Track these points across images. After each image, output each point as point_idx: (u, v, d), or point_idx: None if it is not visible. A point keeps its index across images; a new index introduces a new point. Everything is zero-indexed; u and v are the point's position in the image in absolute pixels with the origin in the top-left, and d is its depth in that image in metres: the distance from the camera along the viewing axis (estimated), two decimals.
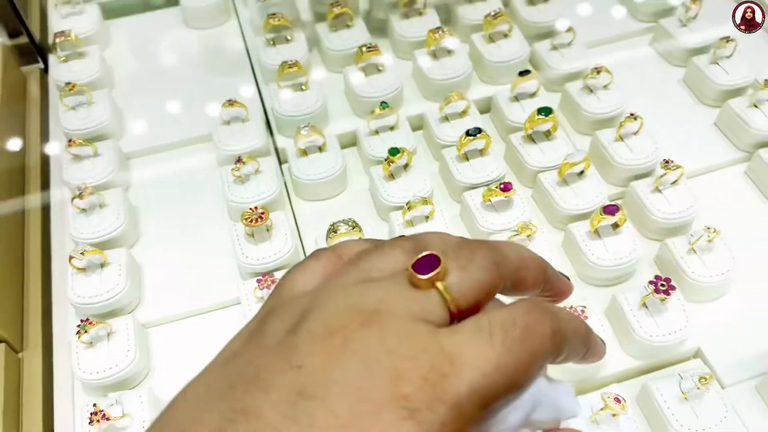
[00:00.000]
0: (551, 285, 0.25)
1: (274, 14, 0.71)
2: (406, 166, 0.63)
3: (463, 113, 0.67)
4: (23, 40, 0.82)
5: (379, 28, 0.77)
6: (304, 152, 0.65)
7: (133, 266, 0.59)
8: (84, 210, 0.60)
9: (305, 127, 0.63)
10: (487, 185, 0.60)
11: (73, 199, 0.60)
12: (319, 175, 0.63)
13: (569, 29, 0.71)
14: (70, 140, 0.64)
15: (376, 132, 0.66)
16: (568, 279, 0.27)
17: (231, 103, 0.65)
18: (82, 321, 0.53)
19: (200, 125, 0.70)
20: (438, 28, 0.70)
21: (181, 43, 0.80)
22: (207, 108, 0.72)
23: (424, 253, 0.22)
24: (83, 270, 0.57)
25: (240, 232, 0.58)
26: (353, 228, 0.55)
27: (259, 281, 0.55)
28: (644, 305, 0.53)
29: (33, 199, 0.70)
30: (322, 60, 0.76)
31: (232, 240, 0.59)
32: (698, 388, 0.49)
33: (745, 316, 0.56)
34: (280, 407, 0.19)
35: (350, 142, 0.69)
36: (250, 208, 0.57)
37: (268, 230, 0.59)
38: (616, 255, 0.56)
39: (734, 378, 0.52)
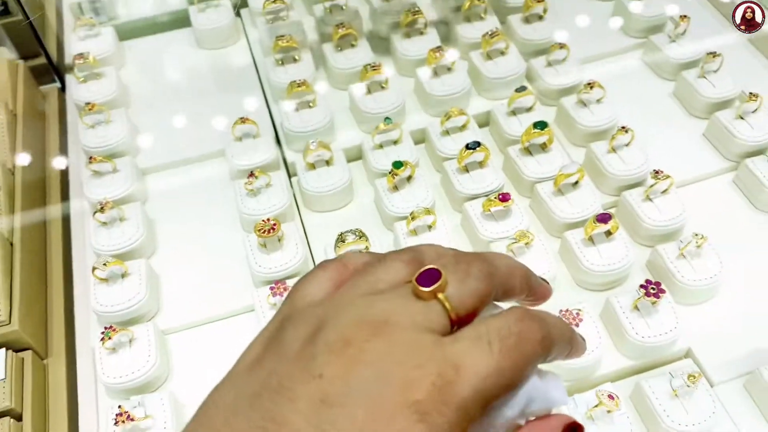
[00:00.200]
0: (534, 290, 0.28)
1: (282, 36, 0.75)
2: (409, 178, 0.66)
3: (463, 127, 0.70)
4: (41, 60, 0.86)
5: (382, 47, 0.80)
6: (313, 166, 0.68)
7: (152, 276, 0.62)
8: (105, 223, 0.64)
9: (313, 142, 0.66)
10: (487, 196, 0.63)
11: (94, 213, 0.63)
12: (327, 188, 0.67)
13: (563, 46, 0.74)
14: (90, 157, 0.67)
15: (381, 146, 0.70)
16: (548, 283, 0.30)
17: (243, 120, 0.69)
18: (105, 328, 0.56)
19: (212, 141, 0.74)
20: (438, 47, 0.73)
21: (193, 62, 0.84)
22: (218, 124, 0.75)
23: (425, 267, 0.24)
24: (105, 280, 0.60)
25: (253, 243, 0.62)
26: (360, 237, 0.58)
27: (272, 289, 0.58)
28: (636, 308, 0.56)
29: (54, 213, 0.73)
30: (328, 78, 0.79)
31: (245, 250, 0.62)
32: (688, 386, 0.51)
33: (733, 318, 0.59)
34: (305, 415, 0.20)
35: (356, 155, 0.73)
36: (263, 220, 0.60)
37: (279, 240, 0.62)
38: (610, 261, 0.59)
39: (723, 376, 0.55)
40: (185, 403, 0.56)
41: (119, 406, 0.52)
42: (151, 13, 0.89)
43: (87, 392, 0.58)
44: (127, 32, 0.87)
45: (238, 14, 0.88)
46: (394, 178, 0.64)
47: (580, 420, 0.50)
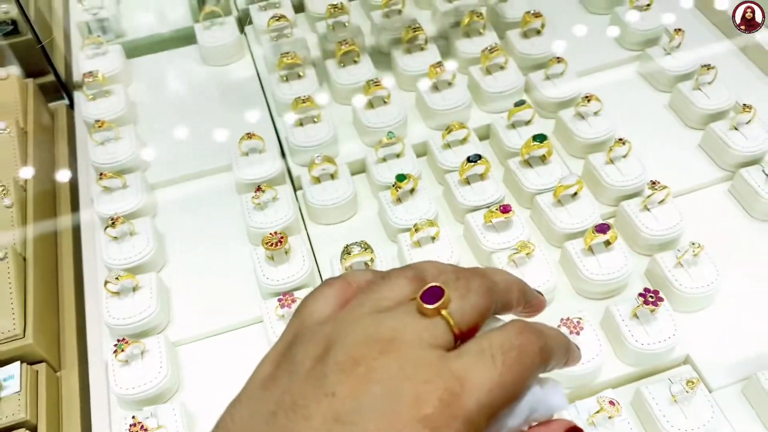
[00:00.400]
0: (530, 302, 0.30)
1: (287, 53, 0.77)
2: (412, 190, 0.67)
3: (464, 140, 0.72)
4: (50, 78, 0.88)
5: (383, 62, 0.82)
6: (318, 180, 0.70)
7: (163, 289, 0.64)
8: (116, 238, 0.65)
9: (318, 156, 0.68)
10: (488, 207, 0.65)
11: (105, 228, 0.65)
12: (332, 201, 0.68)
13: (561, 60, 0.76)
14: (101, 174, 0.69)
15: (384, 159, 0.71)
16: (542, 295, 0.31)
17: (249, 135, 0.71)
18: (118, 340, 0.57)
19: (219, 156, 0.75)
20: (438, 63, 0.75)
21: (199, 79, 0.85)
22: (225, 139, 0.77)
23: (429, 285, 0.25)
24: (117, 294, 0.61)
25: (261, 255, 0.63)
26: (365, 250, 0.60)
27: (279, 300, 0.59)
28: (635, 316, 0.57)
29: (64, 228, 0.75)
30: (331, 93, 0.81)
31: (253, 262, 0.63)
32: (687, 392, 0.53)
33: (730, 325, 0.60)
34: None
35: (360, 169, 0.74)
36: (270, 233, 0.62)
37: (286, 253, 0.63)
38: (609, 270, 0.61)
39: (721, 382, 0.57)
40: (196, 413, 0.57)
41: (133, 417, 0.53)
42: (157, 30, 0.91)
43: (100, 403, 0.59)
44: (134, 50, 0.89)
45: (242, 31, 0.90)
46: (397, 190, 0.66)
47: (582, 426, 0.51)
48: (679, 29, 0.78)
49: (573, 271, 0.62)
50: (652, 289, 0.57)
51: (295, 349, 0.25)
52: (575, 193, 0.66)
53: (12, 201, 0.68)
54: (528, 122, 0.73)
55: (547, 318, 0.58)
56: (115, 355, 0.57)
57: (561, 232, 0.64)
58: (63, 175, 0.80)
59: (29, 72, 0.87)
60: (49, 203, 0.76)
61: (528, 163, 0.69)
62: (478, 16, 0.80)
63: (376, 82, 0.73)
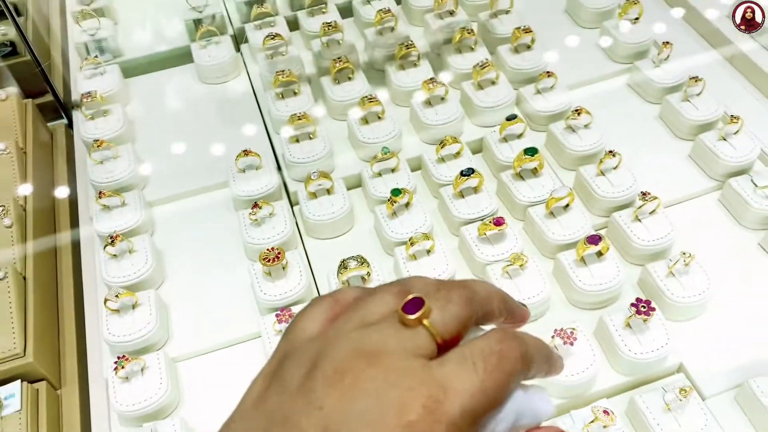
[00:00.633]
0: (513, 313, 0.30)
1: (282, 71, 0.78)
2: (407, 204, 0.68)
3: (458, 154, 0.73)
4: (49, 98, 0.89)
5: (377, 79, 0.84)
6: (314, 195, 0.71)
7: (162, 306, 0.64)
8: (115, 256, 0.66)
9: (314, 172, 0.69)
10: (482, 220, 0.66)
11: (105, 246, 0.66)
12: (328, 216, 0.69)
13: (551, 74, 0.77)
14: (100, 192, 0.70)
15: (379, 174, 0.72)
16: (526, 307, 0.32)
17: (246, 153, 0.72)
18: (118, 357, 0.58)
19: (216, 173, 0.76)
20: (431, 78, 0.76)
21: (195, 97, 0.87)
22: (222, 156, 0.78)
23: (410, 297, 0.26)
24: (117, 311, 0.62)
25: (258, 271, 0.64)
26: (362, 264, 0.61)
27: (277, 315, 0.60)
28: (628, 326, 0.58)
29: (64, 246, 0.76)
30: (327, 109, 0.82)
31: (250, 278, 0.64)
32: (680, 400, 0.53)
33: (722, 333, 0.61)
34: None
35: (355, 183, 0.75)
36: (267, 249, 0.63)
37: (284, 268, 0.64)
38: (602, 280, 0.62)
39: (714, 390, 0.57)
40: (196, 429, 0.57)
41: None
42: (154, 50, 0.92)
43: (100, 421, 0.60)
44: (131, 69, 0.90)
45: (238, 50, 0.91)
46: (393, 204, 0.67)
47: None
48: (668, 42, 0.79)
49: (566, 281, 0.63)
50: (644, 298, 0.57)
51: (285, 367, 0.26)
52: (567, 205, 0.67)
53: (12, 221, 0.69)
54: (520, 136, 0.74)
55: (540, 328, 0.59)
56: (116, 372, 0.57)
57: (554, 244, 0.65)
58: (62, 194, 0.81)
59: (28, 92, 0.88)
60: (48, 222, 0.77)
61: (520, 176, 0.70)
62: (469, 33, 0.82)
63: (371, 98, 0.74)
